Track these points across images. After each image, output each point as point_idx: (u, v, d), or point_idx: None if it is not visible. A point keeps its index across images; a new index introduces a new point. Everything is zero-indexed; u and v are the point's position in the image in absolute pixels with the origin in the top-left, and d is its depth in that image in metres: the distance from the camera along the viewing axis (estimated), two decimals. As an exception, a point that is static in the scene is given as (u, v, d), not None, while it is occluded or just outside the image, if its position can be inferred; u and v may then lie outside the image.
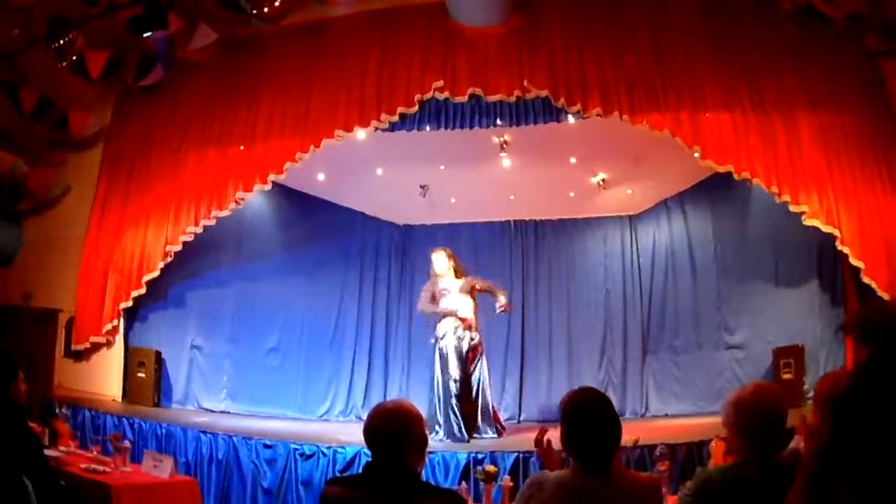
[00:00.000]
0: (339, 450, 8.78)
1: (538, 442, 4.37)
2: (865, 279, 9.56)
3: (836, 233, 9.77)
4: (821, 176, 9.94)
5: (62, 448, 7.95)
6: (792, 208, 9.95)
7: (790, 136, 10.09)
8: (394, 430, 3.62)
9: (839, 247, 9.80)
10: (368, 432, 3.68)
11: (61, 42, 10.89)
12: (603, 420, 3.59)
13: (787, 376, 10.99)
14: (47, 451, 6.58)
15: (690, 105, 10.31)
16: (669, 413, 13.44)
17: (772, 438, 3.60)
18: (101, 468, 6.99)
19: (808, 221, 9.90)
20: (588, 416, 3.60)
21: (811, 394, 10.58)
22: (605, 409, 3.63)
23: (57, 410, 9.32)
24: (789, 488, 3.09)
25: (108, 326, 11.69)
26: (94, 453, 7.69)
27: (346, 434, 9.99)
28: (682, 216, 14.10)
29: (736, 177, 10.24)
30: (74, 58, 11.07)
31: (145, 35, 10.84)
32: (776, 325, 11.84)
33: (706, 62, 10.49)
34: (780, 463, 3.51)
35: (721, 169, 10.38)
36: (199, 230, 11.53)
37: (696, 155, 10.39)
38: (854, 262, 9.69)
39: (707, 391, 12.55)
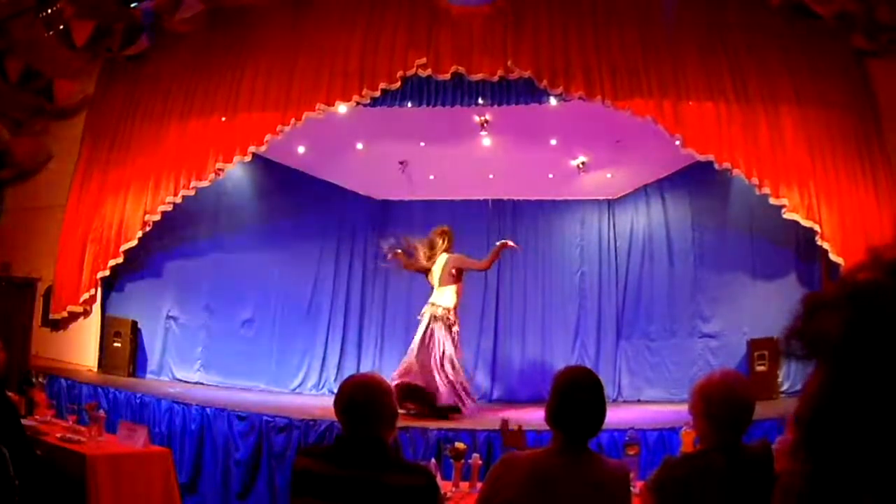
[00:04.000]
0: (312, 423, 8.85)
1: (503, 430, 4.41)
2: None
3: (817, 228, 9.87)
4: (803, 170, 10.02)
5: (39, 417, 7.97)
6: (772, 201, 10.04)
7: (773, 129, 10.16)
8: (364, 402, 3.64)
9: (819, 242, 9.90)
10: (339, 404, 3.70)
11: (49, 11, 10.85)
12: (592, 399, 3.61)
13: (760, 368, 11.08)
14: (24, 421, 6.61)
15: (674, 93, 10.37)
16: (642, 399, 13.49)
17: (739, 427, 3.60)
18: (76, 438, 7.04)
19: (787, 215, 10.00)
20: (579, 391, 3.61)
21: (784, 386, 10.70)
22: (596, 389, 3.64)
23: (34, 380, 9.30)
24: (756, 478, 3.13)
25: (86, 296, 11.66)
26: (70, 423, 7.75)
27: (318, 407, 10.05)
28: (661, 202, 14.14)
29: (717, 166, 10.32)
30: (61, 27, 11.03)
31: (132, 5, 10.81)
32: (752, 317, 11.90)
33: (692, 51, 10.54)
34: (747, 452, 3.54)
35: (702, 158, 10.47)
36: (179, 200, 11.50)
37: (678, 143, 10.44)
38: (834, 258, 9.78)
39: (680, 379, 12.54)
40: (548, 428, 3.68)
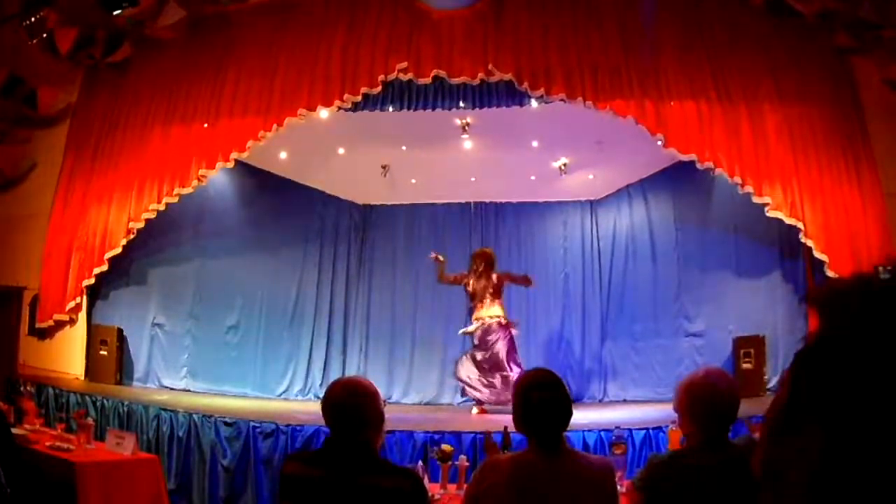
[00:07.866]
0: (298, 428, 8.84)
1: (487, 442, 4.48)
2: (830, 273, 9.66)
3: (800, 225, 9.92)
4: (786, 168, 10.07)
5: (28, 426, 7.96)
6: (755, 199, 10.09)
7: (756, 128, 10.21)
8: (350, 405, 3.63)
9: (803, 239, 9.95)
10: (326, 408, 3.69)
11: (33, 18, 10.84)
12: (554, 397, 3.63)
13: (746, 366, 11.13)
14: (13, 429, 6.61)
15: (655, 93, 10.40)
16: (627, 398, 13.54)
17: (724, 423, 3.61)
18: (65, 446, 7.01)
19: (771, 213, 10.05)
20: (539, 392, 3.64)
21: (771, 384, 10.73)
22: (556, 387, 3.66)
23: (22, 388, 9.30)
24: (742, 475, 3.16)
25: (72, 304, 11.61)
26: (59, 431, 7.71)
27: (304, 412, 10.07)
28: (644, 203, 14.20)
29: (699, 165, 10.34)
30: (45, 34, 11.02)
31: (115, 12, 10.80)
32: (737, 315, 11.97)
33: (673, 51, 10.58)
34: (732, 449, 3.57)
35: (684, 157, 10.50)
36: (163, 208, 11.47)
37: (660, 143, 10.49)
38: (818, 255, 9.83)
39: (666, 378, 12.55)
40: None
